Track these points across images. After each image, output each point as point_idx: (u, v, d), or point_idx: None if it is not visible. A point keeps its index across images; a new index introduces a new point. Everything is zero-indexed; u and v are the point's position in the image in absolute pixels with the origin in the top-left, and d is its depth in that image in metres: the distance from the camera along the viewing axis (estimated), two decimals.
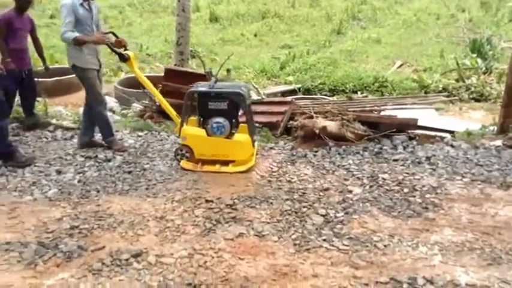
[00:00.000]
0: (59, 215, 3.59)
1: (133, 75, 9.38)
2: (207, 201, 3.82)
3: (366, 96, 7.31)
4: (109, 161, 4.67)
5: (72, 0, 4.52)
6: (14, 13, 5.31)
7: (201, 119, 4.53)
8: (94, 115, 4.95)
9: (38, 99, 6.43)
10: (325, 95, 9.10)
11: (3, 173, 4.31)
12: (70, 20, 4.49)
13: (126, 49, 4.80)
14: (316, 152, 4.81)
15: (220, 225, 3.46)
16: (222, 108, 4.41)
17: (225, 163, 4.49)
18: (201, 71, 6.37)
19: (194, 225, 3.47)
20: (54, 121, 5.59)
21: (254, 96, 8.35)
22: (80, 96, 7.67)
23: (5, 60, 5.25)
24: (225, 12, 17.52)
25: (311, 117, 5.16)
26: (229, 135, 4.46)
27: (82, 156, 4.76)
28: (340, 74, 10.02)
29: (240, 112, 4.59)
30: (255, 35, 14.82)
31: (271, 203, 3.78)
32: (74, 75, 7.96)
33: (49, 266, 2.96)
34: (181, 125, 4.54)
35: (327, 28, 15.38)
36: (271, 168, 4.49)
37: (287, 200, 3.82)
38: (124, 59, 4.69)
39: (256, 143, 4.75)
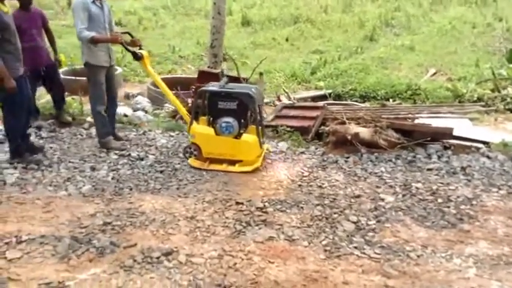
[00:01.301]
0: (93, 210, 3.66)
1: (166, 76, 9.53)
2: (237, 203, 3.82)
3: (400, 104, 7.17)
4: (142, 159, 4.73)
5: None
6: (20, 13, 5.22)
7: (211, 118, 4.60)
8: (92, 113, 5.03)
9: (73, 96, 6.60)
10: (356, 101, 8.99)
11: (39, 168, 4.42)
12: (83, 18, 4.58)
13: (140, 48, 4.92)
14: (348, 158, 4.76)
15: (250, 228, 3.46)
16: (232, 108, 4.48)
17: (232, 163, 4.55)
18: (234, 73, 6.41)
19: (224, 227, 3.47)
20: (89, 119, 5.69)
21: (285, 101, 8.37)
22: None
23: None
24: (257, 16, 17.58)
25: (343, 123, 5.10)
26: (238, 135, 4.52)
27: (116, 154, 4.84)
28: (372, 81, 9.89)
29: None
30: (287, 40, 14.79)
31: (302, 207, 3.76)
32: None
33: (82, 261, 3.01)
34: (191, 123, 4.63)
35: (359, 34, 15.25)
36: (302, 172, 4.47)
37: (318, 205, 3.79)
38: (137, 57, 4.79)
39: (266, 145, 4.85)
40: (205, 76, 5.60)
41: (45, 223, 3.44)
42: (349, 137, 4.77)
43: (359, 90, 9.56)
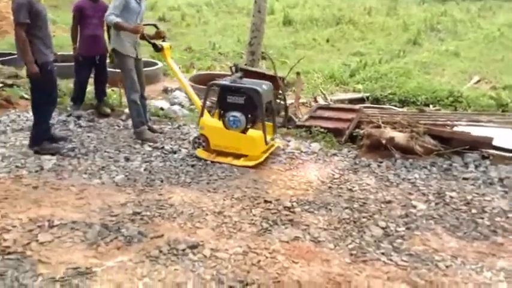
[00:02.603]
0: (124, 200, 3.74)
1: (205, 72, 9.63)
2: (265, 201, 3.82)
3: (439, 110, 6.98)
4: (174, 153, 4.80)
5: None
6: (87, 3, 5.62)
7: (220, 112, 4.71)
8: (128, 102, 5.18)
9: (113, 88, 6.76)
10: (395, 105, 8.82)
11: (75, 155, 4.56)
12: (119, 5, 4.77)
13: (164, 40, 5.11)
14: (381, 162, 4.67)
15: (276, 227, 3.45)
16: (240, 103, 4.58)
17: (238, 156, 4.64)
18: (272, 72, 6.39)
19: (251, 224, 3.48)
20: (126, 110, 5.81)
21: (321, 102, 8.30)
22: (155, 88, 8.00)
23: (74, 46, 5.69)
24: (299, 16, 17.48)
25: (378, 126, 5.01)
26: (244, 130, 4.60)
27: (149, 146, 4.93)
28: (412, 85, 9.65)
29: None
30: (327, 41, 14.66)
31: (330, 209, 3.72)
32: (152, 68, 8.39)
33: (110, 248, 3.08)
34: (201, 115, 4.78)
35: (402, 37, 14.92)
36: (333, 174, 4.42)
37: (346, 208, 3.74)
38: (157, 49, 4.99)
39: (277, 142, 4.96)
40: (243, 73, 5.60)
41: (77, 209, 3.54)
42: (383, 141, 4.67)
43: (398, 95, 9.36)
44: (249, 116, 4.61)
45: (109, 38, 5.78)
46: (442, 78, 10.94)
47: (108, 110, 5.94)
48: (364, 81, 10.42)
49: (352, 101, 8.97)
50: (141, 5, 5.03)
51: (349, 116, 5.58)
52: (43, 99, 4.52)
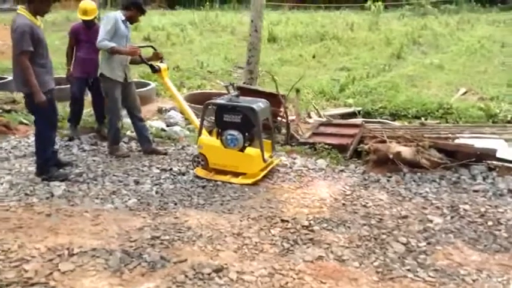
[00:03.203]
0: (140, 224, 3.68)
1: (199, 91, 9.62)
2: (282, 220, 3.80)
3: (439, 123, 7.09)
4: (183, 174, 4.76)
5: (116, 16, 4.92)
6: (81, 27, 5.72)
7: (218, 130, 4.76)
8: (109, 122, 5.26)
9: None
10: (386, 119, 8.93)
11: (84, 180, 4.48)
12: (110, 30, 4.82)
13: (161, 61, 5.17)
14: (390, 177, 4.71)
15: (298, 246, 3.43)
16: (236, 121, 4.63)
17: (236, 174, 4.67)
18: (271, 89, 6.44)
19: (272, 244, 3.45)
20: (128, 133, 5.76)
21: (315, 117, 8.36)
22: (149, 109, 7.93)
23: (68, 68, 5.80)
24: (283, 33, 17.69)
25: (383, 141, 5.06)
26: (242, 148, 4.65)
27: (157, 168, 4.88)
28: (402, 99, 9.81)
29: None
30: (313, 57, 14.82)
31: (348, 227, 3.72)
32: (146, 89, 8.34)
33: (134, 275, 3.02)
34: (199, 134, 4.84)
35: (386, 52, 15.19)
36: (344, 191, 4.43)
37: (364, 225, 3.75)
38: (154, 70, 5.06)
39: (276, 159, 5.01)
40: (243, 92, 5.62)
41: (95, 236, 3.47)
42: (390, 156, 4.72)
43: (389, 108, 9.48)
44: (246, 134, 4.66)
45: None
46: (429, 90, 11.13)
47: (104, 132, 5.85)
48: (354, 96, 10.53)
49: (344, 115, 9.06)
50: (128, 30, 5.12)
51: (351, 131, 5.63)
52: (46, 126, 4.44)
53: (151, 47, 5.43)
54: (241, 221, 3.80)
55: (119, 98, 5.11)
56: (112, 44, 4.81)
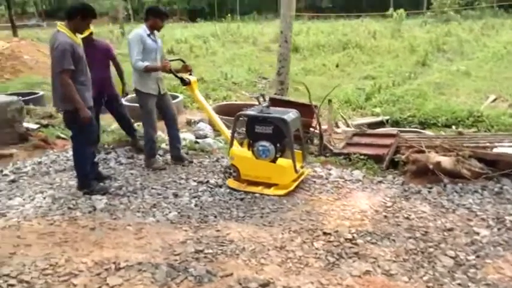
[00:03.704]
0: (182, 238, 3.68)
1: (225, 102, 9.67)
2: (324, 233, 3.76)
3: (477, 132, 6.97)
4: (220, 187, 4.75)
5: (138, 33, 4.95)
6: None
7: (250, 142, 4.77)
8: (144, 135, 5.32)
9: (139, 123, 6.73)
10: (416, 127, 8.82)
11: (124, 194, 4.51)
12: (139, 51, 4.91)
13: (190, 74, 5.23)
14: (431, 188, 4.62)
15: (343, 260, 3.38)
16: (268, 132, 4.62)
17: (268, 185, 4.66)
18: (304, 100, 6.42)
19: (316, 258, 3.41)
20: (163, 145, 5.79)
21: (343, 127, 8.31)
22: (178, 121, 7.98)
23: None
24: (305, 42, 17.72)
25: (420, 151, 4.99)
26: (274, 159, 4.64)
27: (194, 181, 4.88)
28: (430, 107, 9.69)
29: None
30: (337, 66, 14.79)
31: (393, 240, 3.66)
32: (174, 101, 8.40)
33: None
34: (230, 146, 4.85)
35: (410, 59, 15.07)
36: (385, 203, 4.37)
37: (409, 238, 3.68)
38: (185, 83, 5.13)
39: (307, 170, 4.98)
40: (276, 103, 5.62)
41: (140, 250, 3.48)
42: (430, 166, 4.64)
43: (418, 117, 9.37)
44: (278, 145, 4.66)
45: (120, 78, 5.85)
46: (458, 98, 10.99)
47: (138, 144, 5.88)
48: (381, 105, 10.46)
49: (371, 124, 8.98)
50: (157, 42, 5.15)
51: (386, 141, 5.56)
52: (83, 141, 4.48)
53: (181, 60, 5.46)
54: (282, 233, 3.77)
55: (154, 110, 5.17)
56: (145, 64, 4.90)
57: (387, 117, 9.42)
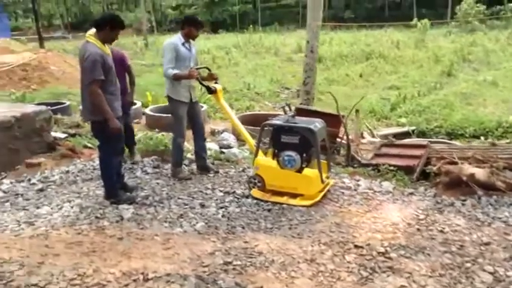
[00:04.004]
0: (210, 249, 3.62)
1: (249, 112, 9.63)
2: (356, 246, 3.65)
3: (510, 143, 6.77)
4: (247, 197, 4.69)
5: (173, 42, 4.99)
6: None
7: (275, 151, 4.69)
8: (173, 143, 5.28)
9: (163, 133, 6.74)
10: (443, 138, 8.64)
11: (151, 203, 4.48)
12: (171, 59, 4.94)
13: (216, 82, 5.21)
14: (464, 200, 4.47)
15: (377, 275, 3.27)
16: (294, 142, 4.55)
17: (293, 196, 4.58)
18: (331, 110, 6.34)
19: (348, 272, 3.31)
20: (189, 155, 5.77)
21: (368, 138, 8.18)
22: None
23: None
24: (328, 53, 17.65)
25: (452, 162, 4.85)
26: (300, 169, 4.56)
27: (221, 191, 4.83)
28: (458, 117, 9.49)
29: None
30: (361, 76, 14.66)
31: (428, 254, 3.53)
32: None
33: None
34: (255, 155, 4.80)
35: (435, 69, 14.86)
36: (417, 215, 4.24)
37: (445, 252, 3.55)
38: (211, 91, 5.11)
39: (331, 180, 4.93)
40: (302, 113, 5.56)
41: (168, 260, 3.42)
42: (464, 178, 4.50)
43: (445, 127, 9.18)
44: (304, 154, 4.59)
45: (131, 88, 5.82)
46: (485, 108, 10.75)
47: (134, 159, 5.82)
48: (406, 115, 10.29)
49: (397, 135, 8.83)
50: (191, 50, 5.14)
51: (416, 152, 5.43)
52: (110, 152, 4.47)
53: (207, 68, 5.45)
54: (312, 246, 3.68)
55: (185, 118, 5.17)
56: (174, 72, 4.92)
57: (413, 128, 9.26)
